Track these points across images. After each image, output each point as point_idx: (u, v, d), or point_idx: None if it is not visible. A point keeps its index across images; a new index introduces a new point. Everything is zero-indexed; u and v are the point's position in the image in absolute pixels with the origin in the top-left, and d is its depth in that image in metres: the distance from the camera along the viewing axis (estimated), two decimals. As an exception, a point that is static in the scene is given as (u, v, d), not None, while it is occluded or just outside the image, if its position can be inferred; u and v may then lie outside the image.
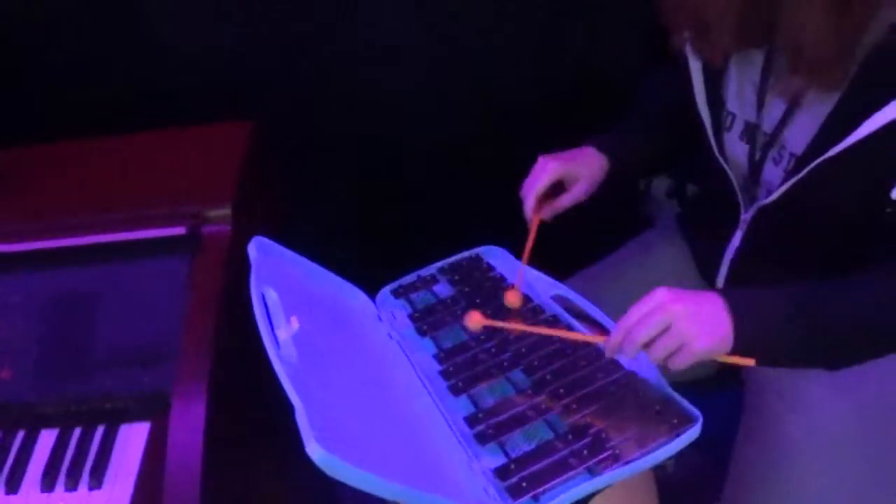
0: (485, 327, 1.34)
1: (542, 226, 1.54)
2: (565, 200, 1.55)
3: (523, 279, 1.49)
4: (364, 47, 2.04)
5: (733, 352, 1.21)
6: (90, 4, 1.94)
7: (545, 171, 1.53)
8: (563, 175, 1.54)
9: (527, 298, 1.47)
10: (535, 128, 1.57)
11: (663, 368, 1.25)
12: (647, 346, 1.19)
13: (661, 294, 1.21)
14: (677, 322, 1.18)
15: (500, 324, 1.34)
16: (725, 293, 1.23)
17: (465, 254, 1.59)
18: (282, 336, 1.14)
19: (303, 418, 1.00)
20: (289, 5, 1.98)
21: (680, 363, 1.20)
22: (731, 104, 1.48)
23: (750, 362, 1.20)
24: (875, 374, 1.42)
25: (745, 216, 1.49)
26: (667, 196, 2.38)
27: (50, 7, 1.94)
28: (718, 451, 1.55)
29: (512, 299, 1.45)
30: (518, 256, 1.54)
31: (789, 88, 1.34)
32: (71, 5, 1.94)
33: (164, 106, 1.98)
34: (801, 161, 1.34)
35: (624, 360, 1.32)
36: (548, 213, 1.54)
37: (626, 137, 1.65)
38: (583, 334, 1.33)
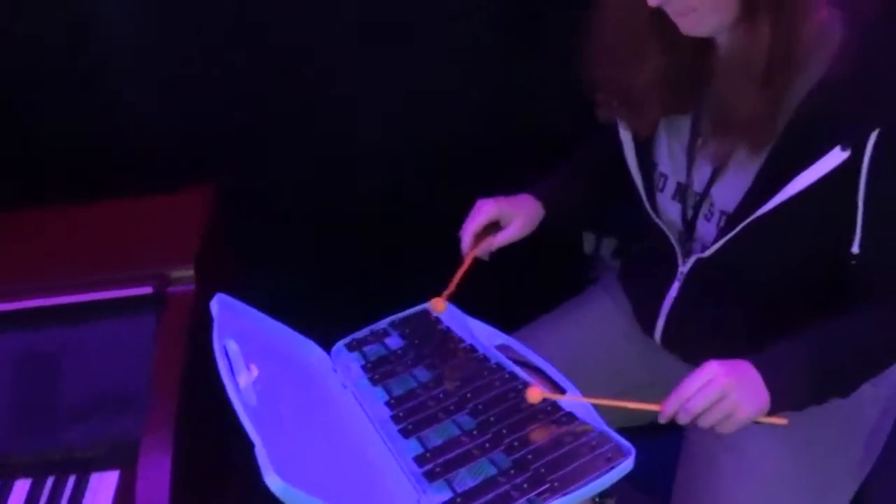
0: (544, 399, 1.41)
1: (491, 285, 1.62)
2: (499, 239, 1.64)
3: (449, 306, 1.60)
4: (319, 102, 2.14)
5: (768, 413, 1.32)
6: (47, 72, 2.02)
7: (481, 210, 1.63)
8: (499, 216, 1.64)
9: (472, 349, 1.55)
10: (484, 185, 1.66)
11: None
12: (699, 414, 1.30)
13: (713, 368, 1.31)
14: (731, 394, 1.29)
15: (558, 396, 1.41)
16: (757, 362, 1.33)
17: (415, 309, 1.66)
18: (242, 382, 1.21)
19: (262, 453, 1.08)
20: (244, 66, 2.08)
21: (728, 429, 1.32)
22: (663, 166, 1.56)
23: (783, 422, 1.34)
24: (805, 415, 1.48)
25: (683, 268, 1.57)
26: (612, 257, 2.47)
27: (7, 74, 2.02)
28: (660, 491, 1.63)
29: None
30: (465, 311, 1.62)
31: (718, 151, 1.42)
32: (27, 73, 2.02)
33: (124, 168, 2.07)
34: (733, 219, 1.43)
35: (562, 403, 1.40)
36: (482, 249, 1.63)
37: (561, 187, 1.74)
38: (638, 403, 1.37)
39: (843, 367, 1.41)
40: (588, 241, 2.50)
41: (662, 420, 1.34)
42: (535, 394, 1.40)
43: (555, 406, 1.40)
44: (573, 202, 1.77)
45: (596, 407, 1.38)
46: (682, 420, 1.32)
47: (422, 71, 2.14)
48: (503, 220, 1.65)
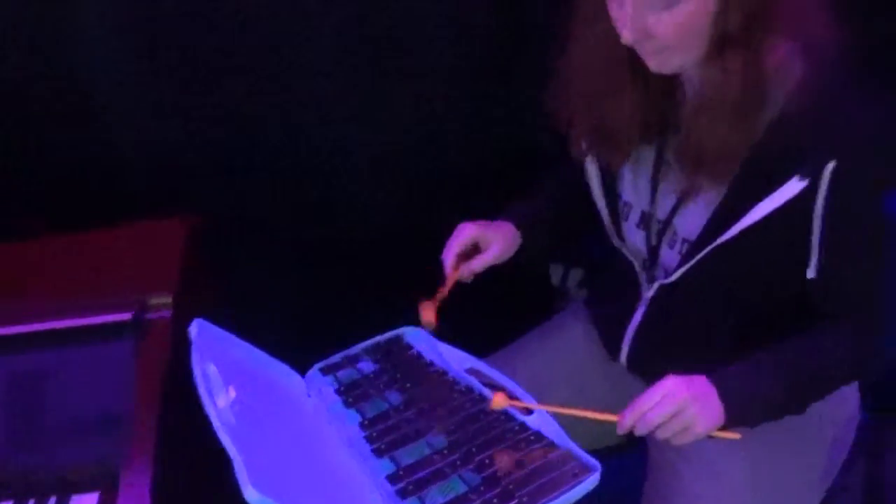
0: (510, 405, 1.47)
1: (462, 314, 1.65)
2: (480, 260, 1.67)
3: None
4: (297, 132, 2.20)
5: (722, 428, 1.38)
6: (30, 104, 2.07)
7: (462, 233, 1.66)
8: (479, 238, 1.67)
9: (442, 372, 1.60)
10: (461, 214, 1.72)
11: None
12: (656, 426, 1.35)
13: (671, 383, 1.37)
14: (686, 408, 1.35)
15: (518, 403, 1.47)
16: (713, 379, 1.39)
17: (388, 335, 1.70)
18: (221, 403, 1.26)
19: (240, 467, 1.13)
20: (227, 94, 2.13)
21: (682, 440, 1.37)
22: (627, 195, 1.61)
23: (736, 436, 1.39)
24: (767, 426, 1.52)
25: (647, 294, 1.62)
26: (578, 287, 2.52)
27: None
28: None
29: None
30: (437, 337, 1.66)
31: (686, 183, 1.48)
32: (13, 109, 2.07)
33: (105, 197, 2.12)
34: (695, 246, 1.48)
35: (529, 421, 1.45)
36: (464, 271, 1.66)
37: (535, 214, 1.79)
38: (594, 412, 1.42)
39: (798, 387, 1.46)
40: (555, 273, 2.54)
41: (620, 431, 1.39)
42: (500, 399, 1.46)
43: (523, 426, 1.44)
44: (547, 229, 1.81)
45: (563, 425, 1.43)
46: (640, 432, 1.37)
47: (403, 101, 2.20)
48: (483, 243, 1.68)
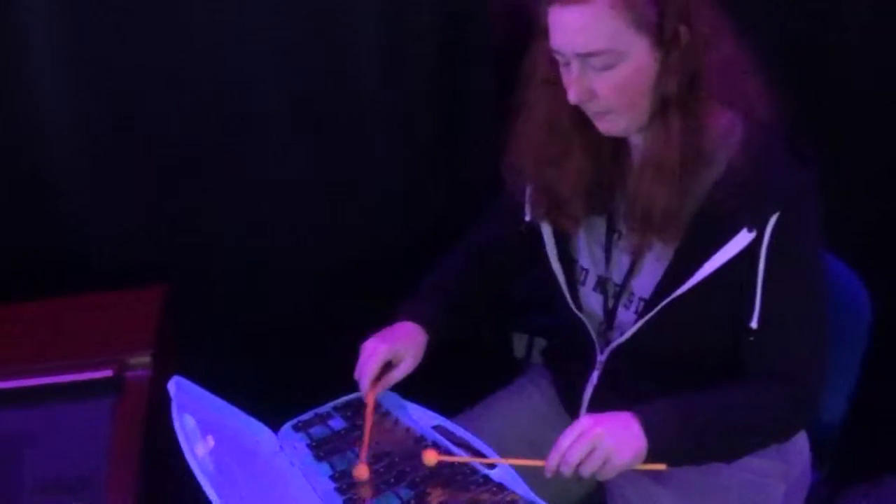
0: (438, 462, 1.51)
1: (426, 377, 1.69)
2: (394, 377, 1.67)
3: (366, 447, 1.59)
4: (258, 211, 2.27)
5: (646, 461, 1.43)
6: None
7: (374, 355, 1.64)
8: (391, 355, 1.66)
9: (409, 429, 1.65)
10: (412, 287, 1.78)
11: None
12: (579, 464, 1.40)
13: (584, 421, 1.43)
14: (602, 442, 1.40)
15: (453, 458, 1.52)
16: (637, 413, 1.45)
17: (356, 394, 1.73)
18: (199, 452, 1.31)
19: (221, 511, 1.19)
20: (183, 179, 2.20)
21: (607, 474, 1.42)
22: (584, 261, 1.67)
23: (661, 467, 1.45)
24: (713, 487, 1.62)
25: (601, 357, 1.68)
26: (541, 354, 2.56)
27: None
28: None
29: (359, 473, 1.53)
30: (405, 396, 1.72)
31: (638, 245, 1.55)
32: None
33: (78, 276, 2.17)
34: (650, 303, 1.55)
35: (493, 475, 1.51)
36: (380, 388, 1.67)
37: (438, 305, 1.78)
38: (524, 459, 1.50)
39: (720, 430, 1.52)
40: (519, 343, 2.58)
41: (548, 474, 1.44)
42: (431, 456, 1.50)
43: (486, 478, 1.50)
44: (451, 319, 1.80)
45: (526, 482, 1.49)
46: (565, 471, 1.42)
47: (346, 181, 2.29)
48: (395, 358, 1.67)
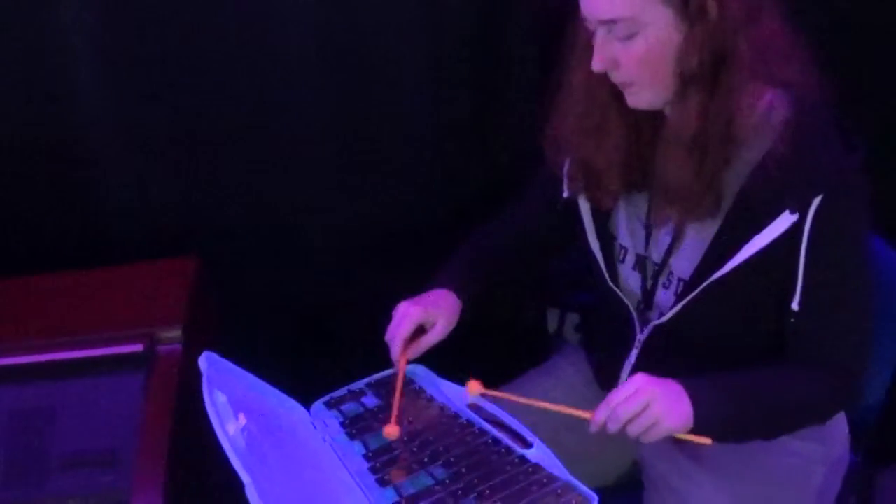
0: (482, 394, 1.52)
1: (459, 356, 1.69)
2: (427, 341, 1.67)
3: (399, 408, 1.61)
4: (293, 190, 2.25)
5: (692, 431, 1.41)
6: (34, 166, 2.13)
7: (406, 317, 1.63)
8: (424, 319, 1.65)
9: (444, 407, 1.63)
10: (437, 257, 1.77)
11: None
12: (626, 422, 1.38)
13: (639, 379, 1.41)
14: (654, 403, 1.38)
15: (497, 393, 1.52)
16: (684, 382, 1.43)
17: (390, 371, 1.72)
18: (231, 430, 1.29)
19: (251, 491, 1.17)
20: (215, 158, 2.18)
21: (652, 437, 1.40)
22: (623, 239, 1.66)
23: (706, 441, 1.42)
24: (754, 469, 1.60)
25: (641, 336, 1.66)
26: (574, 331, 2.54)
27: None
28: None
29: (389, 431, 1.54)
30: (439, 373, 1.70)
31: (666, 220, 1.54)
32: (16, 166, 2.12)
33: (109, 249, 2.16)
34: (690, 285, 1.53)
35: (529, 454, 1.48)
36: (413, 353, 1.66)
37: (472, 275, 1.78)
38: (567, 407, 1.49)
39: (764, 410, 1.50)
40: (552, 319, 2.57)
41: (594, 428, 1.43)
42: (475, 386, 1.52)
43: (522, 458, 1.47)
44: (486, 285, 1.80)
45: (563, 461, 1.46)
46: (612, 427, 1.40)
47: (388, 163, 2.26)
48: (427, 322, 1.67)
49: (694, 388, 1.43)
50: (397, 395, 1.61)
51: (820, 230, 1.42)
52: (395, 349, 1.64)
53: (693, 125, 1.42)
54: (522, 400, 1.51)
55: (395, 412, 1.58)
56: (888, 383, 1.78)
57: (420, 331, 1.67)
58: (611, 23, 1.40)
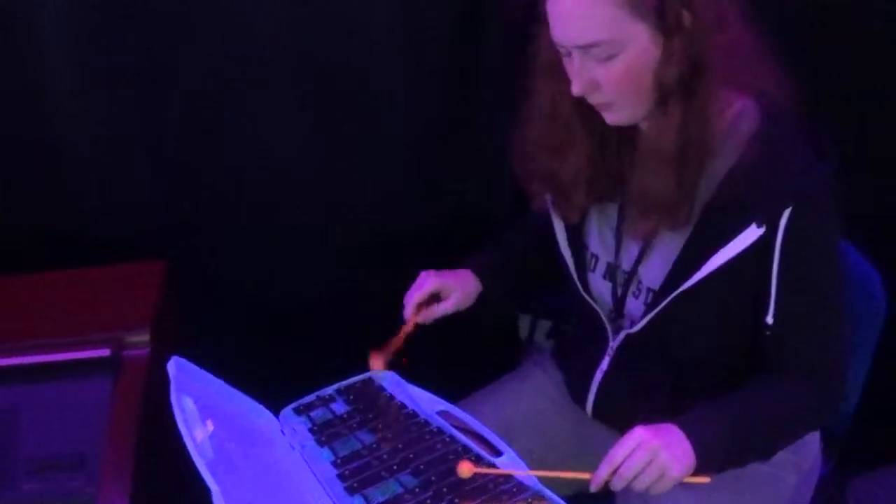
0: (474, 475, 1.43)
1: (429, 361, 1.70)
2: (439, 309, 1.72)
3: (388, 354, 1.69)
4: (266, 190, 2.23)
5: (693, 474, 1.40)
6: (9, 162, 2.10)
7: (424, 283, 1.72)
8: (440, 288, 1.72)
9: (413, 413, 1.61)
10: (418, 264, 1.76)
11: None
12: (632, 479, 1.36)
13: (640, 433, 1.38)
14: (658, 456, 1.36)
15: (490, 471, 1.45)
16: (681, 423, 1.41)
17: (359, 377, 1.72)
18: (199, 436, 1.27)
19: (219, 498, 1.15)
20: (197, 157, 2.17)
21: (660, 490, 1.38)
22: (594, 247, 1.65)
23: (705, 480, 1.40)
24: (727, 481, 1.56)
25: (613, 344, 1.66)
26: (546, 337, 2.54)
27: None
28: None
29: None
30: (407, 379, 1.68)
31: (641, 231, 1.53)
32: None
33: (80, 250, 2.13)
34: (659, 295, 1.52)
35: (499, 463, 1.47)
36: (423, 316, 1.71)
37: (497, 265, 1.82)
38: (567, 472, 1.42)
39: (760, 432, 1.49)
40: (523, 325, 2.57)
41: (594, 488, 1.40)
42: (466, 468, 1.41)
43: (492, 465, 1.46)
44: (508, 279, 1.84)
45: (532, 467, 1.45)
46: (617, 486, 1.38)
47: (361, 161, 2.25)
48: (443, 292, 1.73)
49: (691, 429, 1.41)
50: (399, 339, 1.70)
51: (792, 242, 1.42)
52: (408, 310, 1.71)
53: (673, 137, 1.41)
54: (519, 472, 1.45)
55: (388, 351, 1.67)
56: (859, 391, 1.78)
57: (436, 299, 1.74)
58: (588, 47, 1.39)
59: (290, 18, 2.03)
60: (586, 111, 1.50)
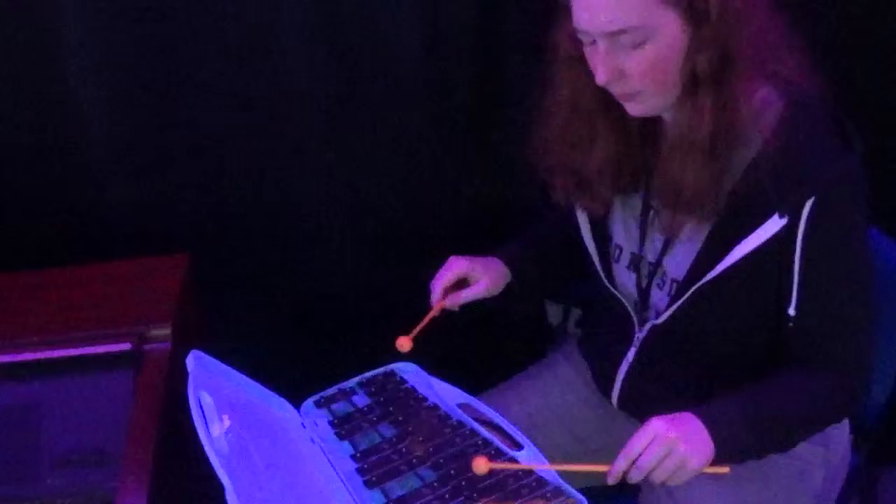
0: (490, 471, 1.42)
1: (454, 352, 1.68)
2: (466, 294, 1.70)
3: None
4: (288, 184, 2.23)
5: (712, 463, 1.38)
6: (31, 152, 2.11)
7: (452, 267, 1.71)
8: (468, 273, 1.70)
9: (434, 407, 1.61)
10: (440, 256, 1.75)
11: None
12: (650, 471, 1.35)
13: (657, 425, 1.36)
14: (676, 448, 1.34)
15: (505, 465, 1.44)
16: (699, 413, 1.40)
17: (381, 369, 1.72)
18: (215, 431, 1.28)
19: (231, 496, 1.15)
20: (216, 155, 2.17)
21: (679, 481, 1.37)
22: (618, 238, 1.64)
23: (725, 470, 1.39)
24: (755, 474, 1.57)
25: (639, 335, 1.64)
26: (576, 326, 2.53)
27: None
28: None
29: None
30: (429, 371, 1.69)
31: (669, 223, 1.50)
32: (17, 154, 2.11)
33: (99, 245, 2.15)
34: (683, 286, 1.51)
35: (519, 457, 1.46)
36: (450, 301, 1.70)
37: (527, 255, 1.81)
38: (585, 465, 1.42)
39: (780, 424, 1.47)
40: (554, 313, 2.56)
41: (611, 480, 1.39)
42: (482, 464, 1.41)
43: (512, 460, 1.46)
44: (537, 269, 1.83)
45: (550, 459, 1.45)
46: (634, 478, 1.37)
47: (385, 157, 2.24)
48: (471, 278, 1.71)
49: (710, 418, 1.40)
50: (424, 321, 1.66)
51: (815, 233, 1.39)
52: (435, 294, 1.70)
53: (704, 128, 1.39)
54: (536, 466, 1.44)
55: (415, 331, 1.64)
56: (891, 382, 1.75)
57: (465, 286, 1.72)
58: (617, 34, 1.36)
59: (311, 18, 2.02)
60: (608, 103, 1.48)
